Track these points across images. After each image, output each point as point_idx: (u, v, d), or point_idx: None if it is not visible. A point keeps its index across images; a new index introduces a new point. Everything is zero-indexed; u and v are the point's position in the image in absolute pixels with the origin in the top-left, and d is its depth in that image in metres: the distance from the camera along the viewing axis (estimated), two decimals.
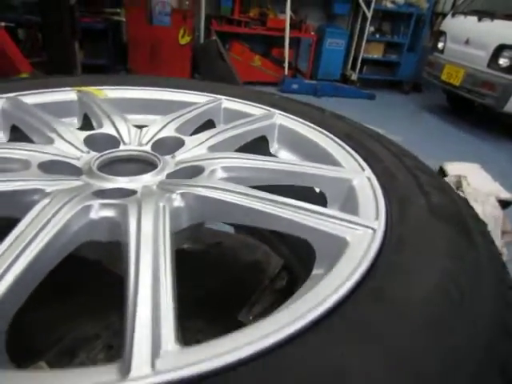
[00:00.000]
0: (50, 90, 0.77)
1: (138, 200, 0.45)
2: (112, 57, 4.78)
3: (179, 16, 4.52)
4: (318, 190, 0.62)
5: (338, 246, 0.42)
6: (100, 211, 0.44)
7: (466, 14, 4.94)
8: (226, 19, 5.61)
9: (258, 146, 0.77)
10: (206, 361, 0.27)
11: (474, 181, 2.30)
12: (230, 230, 1.13)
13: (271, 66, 5.76)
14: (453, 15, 5.19)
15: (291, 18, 5.48)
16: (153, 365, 0.26)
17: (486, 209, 2.22)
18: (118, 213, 0.44)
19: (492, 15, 4.48)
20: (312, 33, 5.92)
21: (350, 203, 0.53)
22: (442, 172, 2.39)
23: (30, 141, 0.67)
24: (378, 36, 6.35)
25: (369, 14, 5.88)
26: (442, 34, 5.19)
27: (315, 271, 0.44)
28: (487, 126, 4.94)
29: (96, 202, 0.44)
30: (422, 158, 0.63)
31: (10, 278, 0.33)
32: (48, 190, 0.46)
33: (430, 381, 0.26)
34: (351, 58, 6.40)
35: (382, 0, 6.06)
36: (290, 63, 5.69)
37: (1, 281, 0.32)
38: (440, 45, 5.19)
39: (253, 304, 0.75)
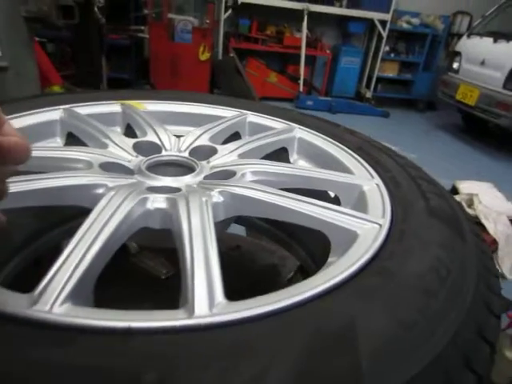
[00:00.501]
0: (99, 102, 0.89)
1: (185, 195, 0.55)
2: (135, 71, 5.01)
3: (200, 34, 4.72)
4: (332, 194, 0.71)
5: (350, 237, 0.51)
6: (154, 203, 0.54)
7: (481, 35, 5.02)
8: (244, 37, 5.80)
9: (280, 156, 0.86)
10: (248, 309, 0.35)
11: (486, 199, 2.33)
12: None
13: (287, 82, 5.91)
14: (468, 36, 5.28)
15: (307, 37, 5.64)
16: (210, 310, 0.36)
17: (497, 227, 2.24)
18: (169, 205, 0.54)
19: (508, 37, 4.55)
20: (327, 51, 6.06)
21: (360, 205, 0.61)
22: (455, 190, 2.43)
23: (84, 145, 0.78)
24: (392, 55, 6.45)
25: (384, 34, 5.98)
26: (458, 54, 5.27)
27: (330, 259, 0.52)
28: (502, 145, 4.95)
29: (151, 196, 0.54)
30: (435, 176, 0.68)
31: (96, 247, 0.43)
32: (110, 185, 0.56)
33: (419, 331, 0.35)
34: (366, 76, 6.50)
35: (398, 20, 6.17)
36: (305, 80, 5.82)
37: (89, 250, 0.42)
38: (455, 65, 5.27)
39: None
